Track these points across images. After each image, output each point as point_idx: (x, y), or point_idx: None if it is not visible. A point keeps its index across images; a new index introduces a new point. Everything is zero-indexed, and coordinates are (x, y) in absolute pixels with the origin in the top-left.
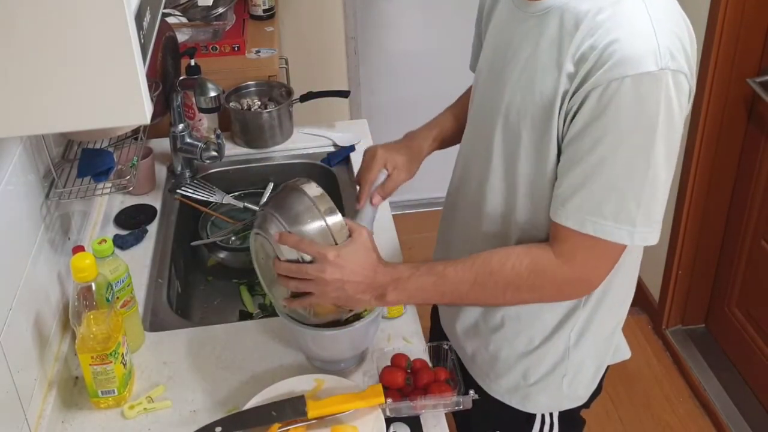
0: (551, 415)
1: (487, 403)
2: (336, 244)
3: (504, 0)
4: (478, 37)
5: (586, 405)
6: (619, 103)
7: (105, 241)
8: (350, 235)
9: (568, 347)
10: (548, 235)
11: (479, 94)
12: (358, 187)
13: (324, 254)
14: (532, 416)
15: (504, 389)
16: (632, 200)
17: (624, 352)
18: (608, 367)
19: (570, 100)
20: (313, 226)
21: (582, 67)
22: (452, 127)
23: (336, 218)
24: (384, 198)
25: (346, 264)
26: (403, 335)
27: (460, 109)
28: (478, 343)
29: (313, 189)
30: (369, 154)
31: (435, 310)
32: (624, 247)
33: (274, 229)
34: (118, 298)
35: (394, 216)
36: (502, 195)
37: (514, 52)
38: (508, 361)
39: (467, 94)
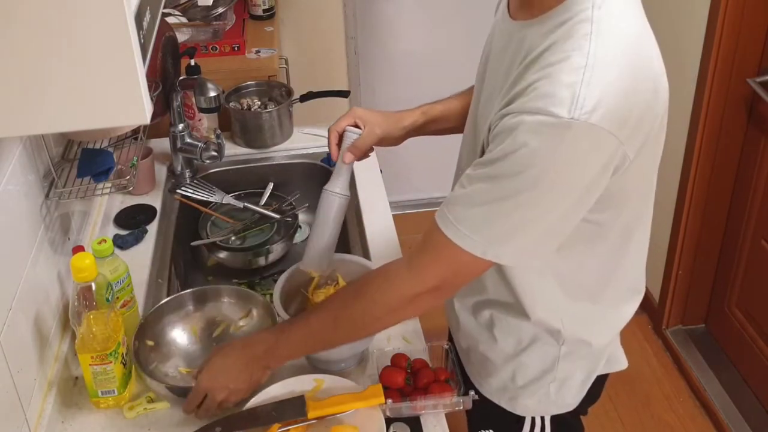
0: (542, 418)
1: (481, 402)
2: None
3: (502, 7)
4: None
5: (583, 412)
6: (522, 136)
7: (105, 241)
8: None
9: (557, 357)
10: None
11: (471, 113)
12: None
13: (199, 387)
14: (522, 418)
15: (494, 389)
16: (498, 221)
17: (620, 363)
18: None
19: (494, 121)
20: None
21: (508, 96)
22: (443, 108)
23: None
24: (357, 157)
25: (218, 369)
26: (403, 335)
27: (458, 98)
28: (471, 340)
29: None
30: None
31: None
32: (470, 259)
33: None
34: (117, 298)
35: (394, 216)
36: None
37: (491, 67)
38: (497, 361)
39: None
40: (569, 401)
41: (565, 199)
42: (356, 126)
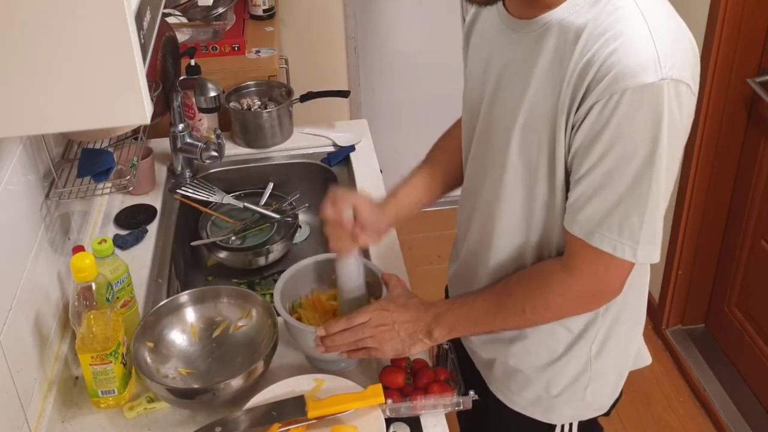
0: (571, 424)
1: (506, 416)
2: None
3: (486, 16)
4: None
5: (607, 413)
6: (621, 116)
7: (105, 240)
8: (387, 287)
9: (590, 357)
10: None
11: (482, 121)
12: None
13: (371, 311)
14: (552, 426)
15: (526, 401)
16: (636, 215)
17: (645, 358)
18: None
19: (575, 114)
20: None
21: (583, 81)
22: (411, 202)
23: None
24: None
25: (394, 309)
26: None
27: (420, 177)
28: (496, 353)
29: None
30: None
31: None
32: (631, 264)
33: None
34: (118, 298)
35: None
36: (517, 213)
37: (514, 74)
38: (530, 373)
39: (450, 137)
40: (603, 402)
41: (675, 163)
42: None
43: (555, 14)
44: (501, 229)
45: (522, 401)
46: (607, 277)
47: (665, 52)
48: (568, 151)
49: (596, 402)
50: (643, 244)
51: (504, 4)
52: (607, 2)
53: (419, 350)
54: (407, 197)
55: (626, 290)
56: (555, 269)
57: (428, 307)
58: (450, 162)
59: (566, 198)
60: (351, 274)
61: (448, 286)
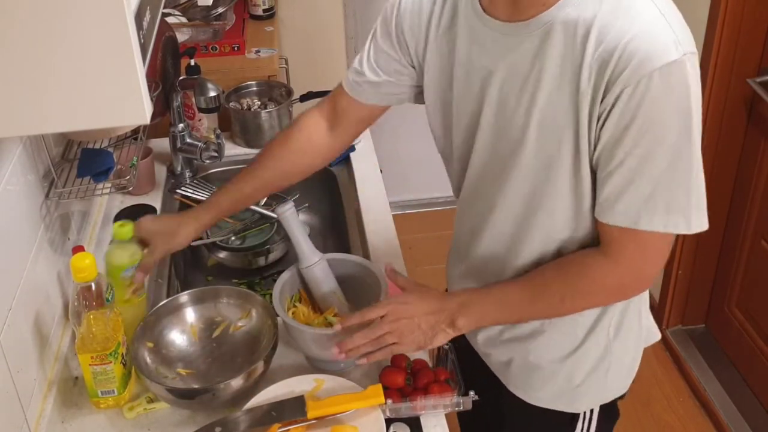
0: (592, 410)
1: (525, 412)
2: None
3: (450, 27)
4: (384, 70)
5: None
6: (653, 98)
7: (125, 225)
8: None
9: (609, 341)
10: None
11: (486, 126)
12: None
13: (387, 305)
14: (576, 415)
15: (549, 395)
16: (681, 189)
17: (655, 334)
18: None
19: (600, 105)
20: None
21: (605, 71)
22: (231, 201)
23: None
24: (143, 275)
25: (412, 301)
26: None
27: (263, 178)
28: (513, 352)
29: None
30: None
31: None
32: (673, 238)
33: None
34: (131, 283)
35: (394, 216)
36: (541, 210)
37: (516, 80)
38: (551, 367)
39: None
40: (622, 383)
41: (700, 132)
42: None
43: (555, 11)
44: (529, 228)
45: (545, 395)
46: (649, 261)
47: (679, 29)
48: (594, 146)
49: (616, 384)
50: (694, 213)
51: (486, 13)
52: None
53: (442, 341)
54: (221, 204)
55: None
56: (595, 258)
57: (451, 297)
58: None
59: (593, 190)
60: (317, 279)
61: (451, 287)
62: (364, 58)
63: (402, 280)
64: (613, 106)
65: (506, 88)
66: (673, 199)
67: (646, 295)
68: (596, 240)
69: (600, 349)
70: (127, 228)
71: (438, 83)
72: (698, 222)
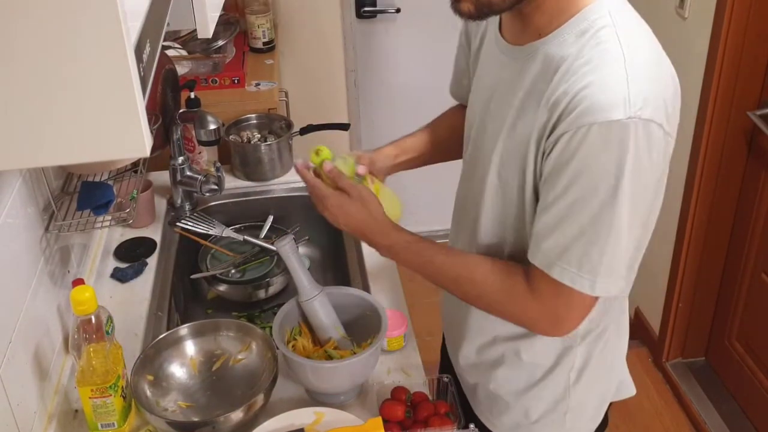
0: None
1: None
2: None
3: (488, 41)
4: (459, 65)
5: None
6: (587, 149)
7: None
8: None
9: (568, 385)
10: None
11: (473, 138)
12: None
13: (333, 195)
14: None
15: (507, 426)
16: (596, 249)
17: (629, 389)
18: (611, 403)
19: (546, 141)
20: None
21: (555, 112)
22: (412, 141)
23: None
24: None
25: (349, 206)
26: (402, 368)
27: (434, 130)
28: (479, 378)
29: None
30: None
31: (444, 344)
32: (592, 299)
33: None
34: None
35: None
36: (494, 233)
37: (501, 96)
38: (509, 398)
39: (445, 115)
40: (585, 428)
41: (643, 202)
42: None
43: (542, 43)
44: (480, 246)
45: (503, 426)
46: (567, 308)
47: (638, 92)
48: (539, 178)
49: (575, 429)
50: (602, 277)
51: (500, 29)
52: (592, 36)
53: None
54: (407, 141)
55: (605, 319)
56: (522, 287)
57: (385, 232)
58: (448, 134)
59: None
60: (316, 312)
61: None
62: None
63: (347, 183)
64: (554, 145)
65: (491, 105)
66: (586, 256)
67: (622, 348)
68: None
69: (558, 391)
70: (324, 152)
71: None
72: (603, 287)
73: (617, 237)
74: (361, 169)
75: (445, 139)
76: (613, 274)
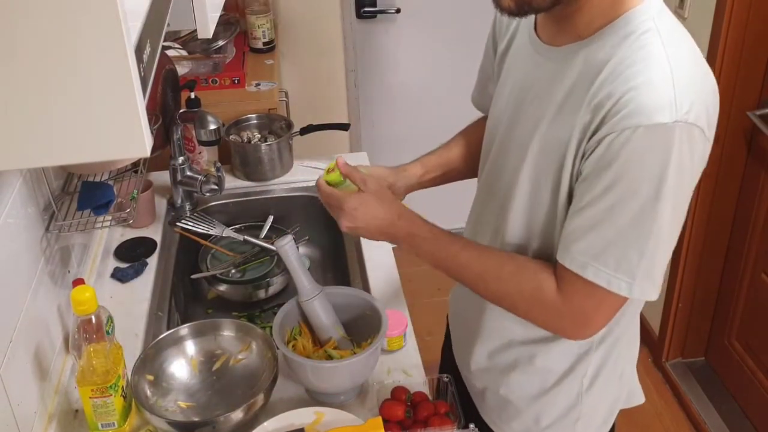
0: None
1: None
2: None
3: (520, 40)
4: (485, 72)
5: None
6: (630, 152)
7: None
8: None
9: (581, 391)
10: None
11: (501, 136)
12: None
13: (352, 199)
14: None
15: None
16: (635, 251)
17: (638, 397)
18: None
19: (587, 142)
20: None
21: (598, 114)
22: (438, 159)
23: None
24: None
25: (366, 202)
26: (403, 368)
27: (468, 143)
28: (489, 382)
29: None
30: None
31: (446, 345)
32: (624, 298)
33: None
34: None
35: (393, 249)
36: (521, 234)
37: (537, 96)
38: (520, 404)
39: (478, 126)
40: None
41: (682, 205)
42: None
43: (583, 45)
44: (504, 246)
45: (510, 431)
46: (595, 310)
47: (683, 95)
48: (576, 179)
49: None
50: (640, 279)
51: (535, 29)
52: (635, 39)
53: (366, 237)
54: (430, 161)
55: (619, 327)
56: (550, 290)
57: (406, 223)
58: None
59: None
60: (316, 312)
61: (452, 294)
62: None
63: (360, 176)
64: (596, 147)
65: (523, 105)
66: (624, 257)
67: (634, 356)
68: None
69: (571, 398)
70: (335, 173)
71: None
72: (640, 289)
73: (657, 239)
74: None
75: (478, 153)
76: (651, 276)
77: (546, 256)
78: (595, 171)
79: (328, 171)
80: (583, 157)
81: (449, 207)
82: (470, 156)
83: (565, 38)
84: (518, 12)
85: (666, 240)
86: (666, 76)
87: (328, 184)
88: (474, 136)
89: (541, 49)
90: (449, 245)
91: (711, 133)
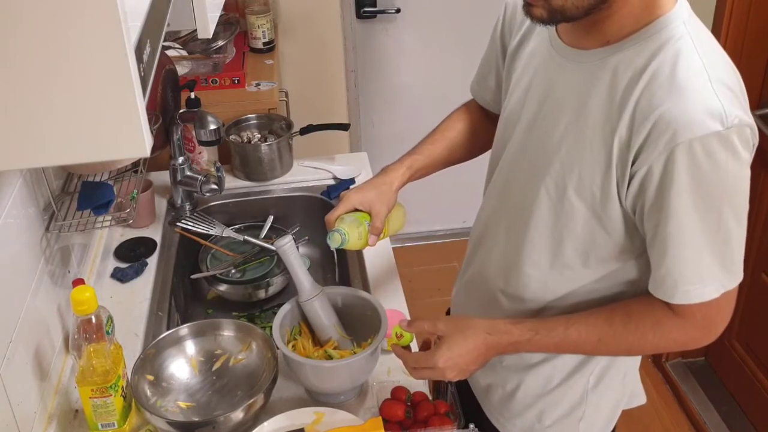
0: None
1: None
2: None
3: (536, 39)
4: (488, 64)
5: None
6: (690, 167)
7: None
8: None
9: (586, 390)
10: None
11: (519, 136)
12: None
13: (438, 358)
14: None
15: (519, 430)
16: (728, 248)
17: (640, 398)
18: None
19: (633, 164)
20: None
21: (641, 131)
22: (425, 160)
23: None
24: (377, 235)
25: (455, 343)
26: (403, 368)
27: (437, 144)
28: (494, 379)
29: None
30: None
31: None
32: (733, 291)
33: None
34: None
35: (393, 249)
36: (544, 243)
37: (560, 99)
38: (525, 401)
39: (455, 118)
40: None
41: (747, 194)
42: (356, 210)
43: (614, 50)
44: (527, 247)
45: (514, 429)
46: (718, 312)
47: (728, 101)
48: (626, 199)
49: None
50: (737, 265)
51: (556, 31)
52: (671, 47)
53: (475, 371)
54: (417, 162)
55: None
56: (666, 315)
57: (499, 337)
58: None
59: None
60: (316, 312)
61: (455, 295)
62: None
63: (428, 325)
64: (649, 169)
65: (545, 108)
66: (721, 260)
67: (637, 357)
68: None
69: (576, 397)
70: (407, 336)
71: (506, 93)
72: (739, 271)
73: (740, 235)
74: (372, 240)
75: (459, 144)
76: (732, 268)
77: (588, 258)
78: (657, 195)
79: (397, 337)
80: (632, 177)
81: (449, 207)
82: (452, 149)
83: (591, 42)
84: (550, 21)
85: (736, 236)
86: (706, 85)
87: (403, 347)
88: (454, 132)
89: (564, 51)
90: (551, 332)
91: (754, 130)
